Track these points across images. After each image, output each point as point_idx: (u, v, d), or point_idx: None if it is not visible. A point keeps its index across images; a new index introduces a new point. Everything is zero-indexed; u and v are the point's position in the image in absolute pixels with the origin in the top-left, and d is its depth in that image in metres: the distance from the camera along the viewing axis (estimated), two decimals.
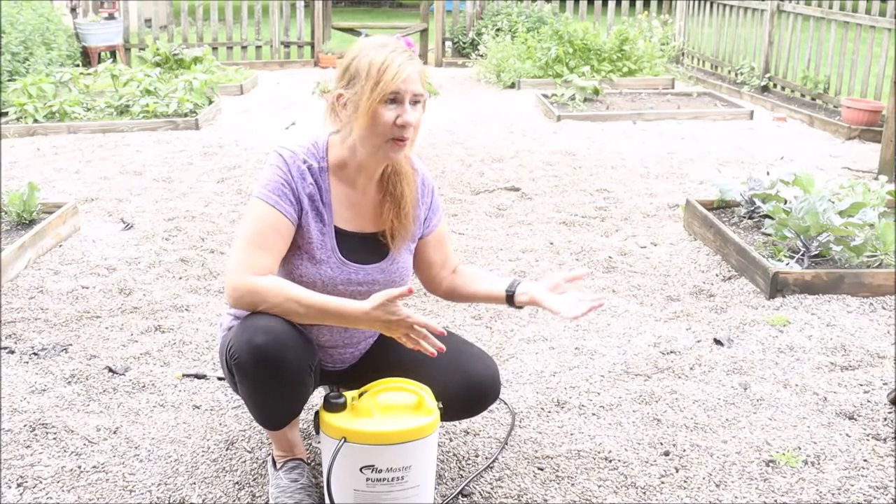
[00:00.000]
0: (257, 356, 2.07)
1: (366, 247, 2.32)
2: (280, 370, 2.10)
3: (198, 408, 2.87)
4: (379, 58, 2.14)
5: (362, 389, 2.17)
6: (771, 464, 2.57)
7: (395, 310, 2.08)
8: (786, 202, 4.23)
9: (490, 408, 2.49)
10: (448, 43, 11.63)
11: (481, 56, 10.36)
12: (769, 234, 4.25)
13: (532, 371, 3.15)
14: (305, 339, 2.18)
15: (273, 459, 2.42)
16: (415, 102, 2.17)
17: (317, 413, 2.18)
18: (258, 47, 11.19)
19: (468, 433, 2.73)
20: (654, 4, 11.55)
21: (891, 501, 2.40)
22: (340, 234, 2.29)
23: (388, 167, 2.32)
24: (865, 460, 2.58)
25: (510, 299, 2.35)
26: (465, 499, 2.41)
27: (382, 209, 2.32)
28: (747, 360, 3.23)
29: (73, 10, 10.50)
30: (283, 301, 2.12)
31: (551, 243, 4.53)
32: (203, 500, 2.38)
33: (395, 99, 2.14)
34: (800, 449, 2.64)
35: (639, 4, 11.11)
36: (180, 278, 4.02)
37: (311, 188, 2.24)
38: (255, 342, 2.07)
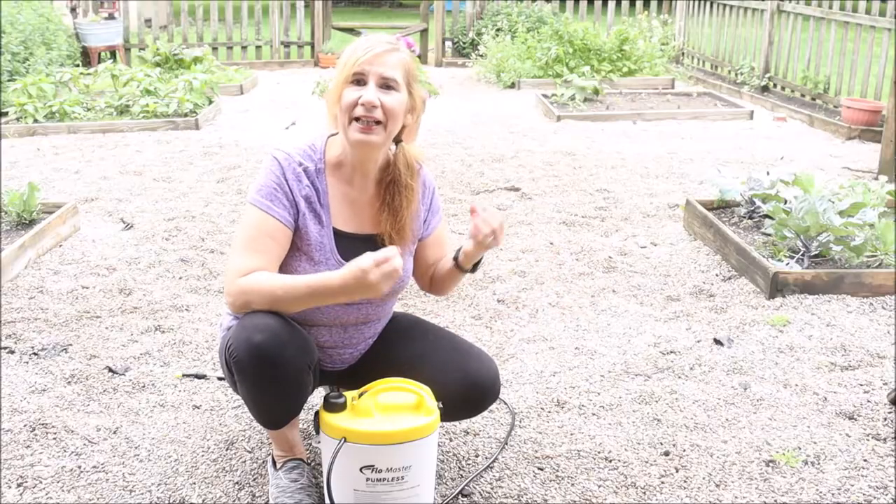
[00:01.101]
0: (256, 354, 2.07)
1: (365, 248, 2.30)
2: (279, 368, 2.10)
3: (198, 408, 2.87)
4: (352, 47, 2.21)
5: (362, 389, 2.17)
6: (771, 464, 2.57)
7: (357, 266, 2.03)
8: (786, 202, 4.23)
9: (490, 408, 2.49)
10: (448, 43, 11.62)
11: (481, 56, 10.36)
12: (769, 234, 4.25)
13: (532, 371, 3.15)
14: (304, 338, 2.18)
15: (273, 459, 2.42)
16: (386, 87, 2.18)
17: (317, 413, 2.18)
18: (258, 47, 11.19)
19: (468, 433, 2.73)
20: (654, 4, 11.55)
21: (891, 501, 2.40)
22: (339, 236, 2.29)
23: (387, 175, 2.32)
24: (865, 460, 2.58)
25: (458, 265, 2.37)
26: (465, 499, 2.41)
27: (380, 217, 2.32)
28: (747, 360, 3.23)
29: (73, 10, 10.50)
30: (273, 290, 2.12)
31: (551, 243, 4.53)
32: (203, 500, 2.38)
33: (359, 80, 2.17)
34: (800, 449, 2.64)
35: (639, 4, 11.10)
36: (180, 278, 4.02)
37: (308, 190, 2.24)
38: (254, 340, 2.07)
